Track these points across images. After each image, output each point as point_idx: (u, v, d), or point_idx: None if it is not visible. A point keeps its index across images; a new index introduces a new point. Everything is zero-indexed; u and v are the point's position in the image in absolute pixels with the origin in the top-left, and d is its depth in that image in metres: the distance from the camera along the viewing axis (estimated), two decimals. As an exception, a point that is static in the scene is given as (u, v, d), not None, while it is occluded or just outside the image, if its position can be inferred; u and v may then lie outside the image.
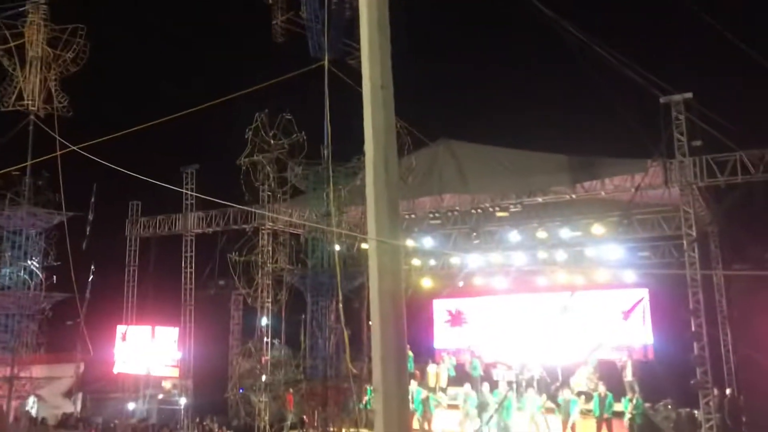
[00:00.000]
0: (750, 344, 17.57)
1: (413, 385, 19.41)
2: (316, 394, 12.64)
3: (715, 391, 15.95)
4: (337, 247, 11.69)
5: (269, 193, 14.11)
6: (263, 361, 15.23)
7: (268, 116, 12.74)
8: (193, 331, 21.82)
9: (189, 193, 20.36)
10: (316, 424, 12.63)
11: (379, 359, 5.32)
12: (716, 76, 19.06)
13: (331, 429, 12.21)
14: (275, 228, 13.83)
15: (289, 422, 17.61)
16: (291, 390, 14.56)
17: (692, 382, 15.65)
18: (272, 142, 12.49)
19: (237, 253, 14.09)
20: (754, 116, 17.82)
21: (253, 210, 14.70)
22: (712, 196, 17.42)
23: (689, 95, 16.09)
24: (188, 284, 22.07)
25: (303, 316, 12.97)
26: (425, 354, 22.27)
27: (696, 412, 16.04)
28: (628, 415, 16.89)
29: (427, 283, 23.59)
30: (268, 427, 18.23)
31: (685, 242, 16.21)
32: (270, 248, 14.95)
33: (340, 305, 9.31)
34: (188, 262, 22.15)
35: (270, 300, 15.78)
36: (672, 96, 16.12)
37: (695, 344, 15.60)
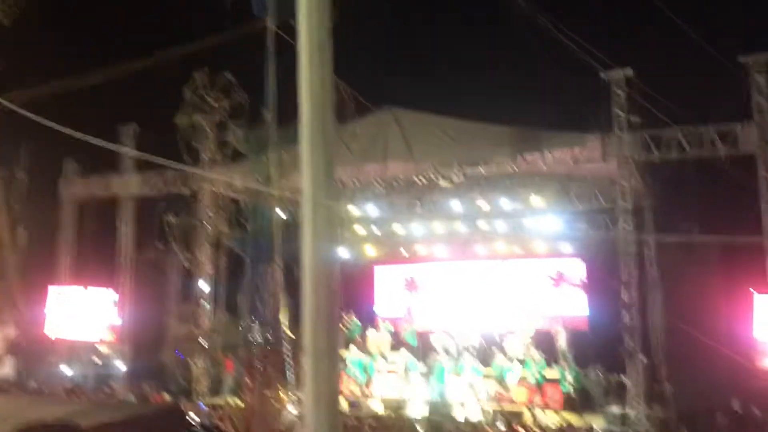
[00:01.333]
0: (677, 314, 18.31)
1: (355, 351, 19.69)
2: (254, 360, 12.61)
3: (643, 359, 16.59)
4: (280, 213, 11.59)
5: (210, 156, 13.86)
6: (202, 325, 15.11)
7: (209, 76, 12.44)
8: (131, 296, 21.41)
9: (128, 152, 19.78)
10: (253, 389, 12.61)
11: (310, 321, 5.33)
12: (657, 52, 19.42)
13: (269, 393, 12.22)
14: (215, 191, 13.58)
15: (227, 387, 17.61)
16: (230, 355, 14.51)
17: (621, 349, 16.29)
18: (212, 102, 12.21)
19: (174, 215, 13.81)
20: (692, 94, 18.31)
21: (192, 171, 14.41)
22: (648, 172, 17.89)
23: (629, 71, 16.45)
24: (126, 247, 21.59)
25: (242, 282, 12.88)
26: (366, 320, 22.48)
27: (624, 378, 16.69)
28: (561, 381, 17.48)
29: (370, 250, 23.69)
30: (206, 391, 18.21)
31: (620, 215, 16.71)
32: (209, 212, 14.72)
33: (279, 270, 9.27)
34: (126, 224, 21.65)
35: (209, 265, 15.64)
36: (612, 71, 16.44)
37: (625, 313, 16.19)
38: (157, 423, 8.29)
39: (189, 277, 15.73)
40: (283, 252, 9.08)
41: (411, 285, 23.49)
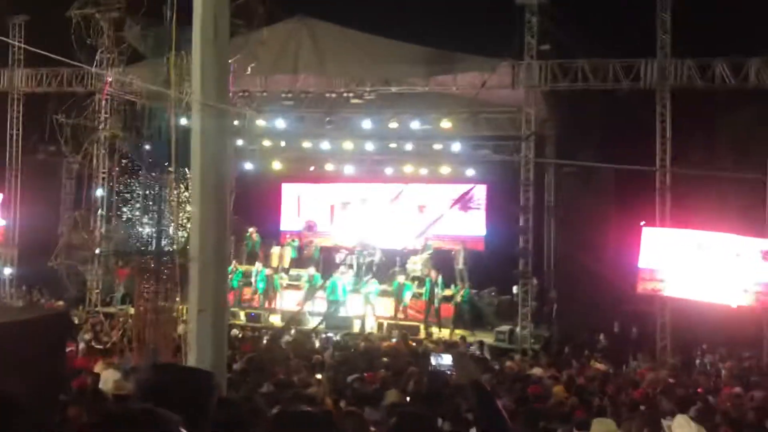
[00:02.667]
0: (570, 240, 19.21)
1: (257, 266, 19.62)
2: (148, 269, 12.29)
3: (534, 281, 17.39)
4: (183, 120, 11.04)
5: (107, 54, 13.00)
6: (95, 232, 14.57)
7: (105, -34, 11.52)
8: (20, 199, 20.28)
9: (17, 45, 18.31)
10: (147, 298, 12.36)
11: (198, 228, 5.18)
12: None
13: (163, 304, 12.00)
14: (110, 92, 12.81)
15: (118, 295, 17.23)
16: (122, 263, 14.12)
17: (515, 272, 16.98)
18: (107, -6, 11.35)
19: (65, 115, 12.98)
20: (602, 27, 18.61)
21: (87, 69, 13.48)
22: (554, 101, 18.24)
23: (544, -1, 16.46)
24: (14, 148, 20.29)
25: (137, 188, 12.38)
26: (272, 236, 22.37)
27: (514, 298, 17.49)
28: (456, 299, 18.12)
29: (276, 165, 23.31)
30: (99, 299, 17.78)
31: (523, 142, 17.08)
32: (104, 114, 13.92)
33: (173, 176, 8.92)
34: (15, 123, 20.27)
35: (104, 170, 14.93)
36: (528, -2, 16.41)
37: (521, 237, 16.80)
38: (43, 328, 8.00)
39: (82, 182, 14.98)
40: (182, 160, 8.68)
41: (318, 202, 23.42)
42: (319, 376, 9.84)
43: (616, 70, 16.16)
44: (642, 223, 16.70)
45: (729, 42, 16.36)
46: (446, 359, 9.64)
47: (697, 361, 15.27)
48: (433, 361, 9.77)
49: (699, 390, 12.48)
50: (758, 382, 13.01)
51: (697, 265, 15.57)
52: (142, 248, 12.30)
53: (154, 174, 11.81)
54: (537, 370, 12.93)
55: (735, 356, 15.44)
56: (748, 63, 15.59)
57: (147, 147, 11.95)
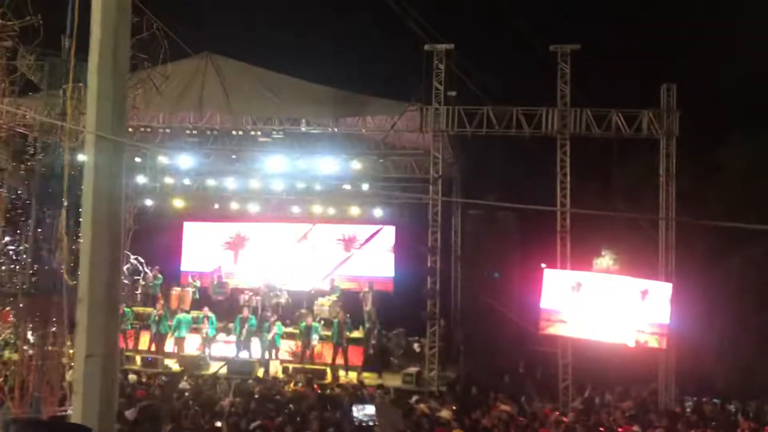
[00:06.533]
0: (476, 282, 19.49)
1: (157, 307, 18.74)
2: (37, 310, 11.46)
3: (442, 322, 17.44)
4: (82, 156, 10.47)
5: (-5, 82, 12.28)
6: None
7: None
8: None
9: None
10: (33, 343, 11.51)
11: (88, 266, 4.82)
12: (478, 31, 20.22)
13: (51, 348, 11.20)
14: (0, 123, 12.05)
15: (2, 339, 16.00)
16: (8, 305, 13.15)
17: (423, 313, 16.99)
18: (-1, 21, 10.72)
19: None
20: (506, 75, 19.32)
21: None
22: (460, 146, 18.65)
23: (451, 46, 16.92)
24: None
25: (25, 226, 11.60)
26: (173, 276, 21.55)
27: (422, 340, 17.47)
28: (369, 345, 17.92)
29: (179, 203, 22.62)
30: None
31: (431, 185, 17.30)
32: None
33: (65, 213, 8.40)
34: None
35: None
36: (435, 45, 16.82)
37: (429, 279, 16.88)
38: None
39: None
40: (74, 195, 8.20)
41: (222, 242, 22.83)
42: (218, 424, 9.39)
43: (519, 117, 16.70)
44: (543, 265, 17.16)
45: (624, 94, 17.33)
46: (368, 410, 9.39)
47: (597, 400, 15.63)
48: (355, 412, 9.46)
49: (601, 429, 12.76)
50: (653, 422, 13.46)
51: (596, 305, 16.10)
52: (30, 289, 11.47)
53: (45, 210, 11.12)
54: (445, 413, 12.87)
55: (632, 395, 15.95)
56: (641, 114, 16.49)
57: (38, 181, 11.26)
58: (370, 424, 8.77)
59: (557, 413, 14.17)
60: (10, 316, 13.92)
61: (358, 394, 13.73)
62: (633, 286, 16.03)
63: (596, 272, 16.54)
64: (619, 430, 12.84)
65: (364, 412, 9.37)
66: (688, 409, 15.64)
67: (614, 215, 11.66)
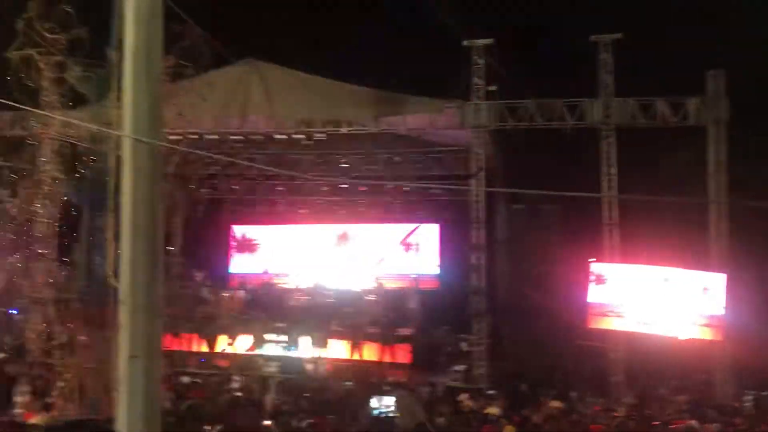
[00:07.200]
0: (521, 277, 19.28)
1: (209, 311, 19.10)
2: (90, 315, 11.85)
3: (489, 319, 17.33)
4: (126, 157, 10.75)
5: (47, 96, 12.73)
6: (34, 279, 14.03)
7: (45, 7, 11.30)
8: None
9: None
10: (90, 346, 11.90)
11: (129, 269, 4.96)
12: (519, 25, 19.95)
13: (105, 352, 11.53)
14: (51, 134, 12.47)
15: (60, 344, 16.51)
16: (64, 310, 13.59)
17: (468, 310, 16.93)
18: (47, 35, 11.11)
19: (2, 158, 12.58)
20: (547, 67, 19.04)
21: (28, 112, 13.09)
22: (501, 141, 18.49)
23: (490, 41, 16.82)
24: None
25: (79, 232, 12.00)
26: (223, 279, 21.94)
27: (469, 337, 17.38)
28: (416, 343, 17.90)
29: (227, 207, 23.05)
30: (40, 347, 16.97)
31: (472, 181, 17.23)
32: (45, 157, 13.55)
33: (111, 218, 8.63)
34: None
35: (44, 213, 14.45)
36: (474, 40, 16.76)
37: (474, 275, 16.80)
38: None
39: (23, 226, 14.46)
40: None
41: (253, 244, 23.12)
42: (267, 422, 9.55)
43: (561, 110, 16.50)
44: (590, 259, 16.90)
45: (668, 82, 16.91)
46: (388, 401, 9.42)
47: (650, 395, 15.32)
48: (374, 403, 9.50)
49: (654, 424, 12.53)
50: (713, 415, 13.13)
51: (645, 298, 15.79)
52: (83, 293, 11.86)
53: (96, 218, 11.48)
54: (493, 409, 12.81)
55: (687, 389, 15.57)
56: (687, 102, 16.10)
57: (88, 189, 11.64)
58: (390, 415, 8.80)
59: (608, 408, 13.96)
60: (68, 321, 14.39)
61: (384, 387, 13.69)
62: (685, 278, 15.67)
63: (647, 265, 16.22)
64: (673, 424, 12.57)
65: (383, 403, 9.40)
66: (748, 404, 15.17)
67: (662, 200, 11.52)
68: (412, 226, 21.83)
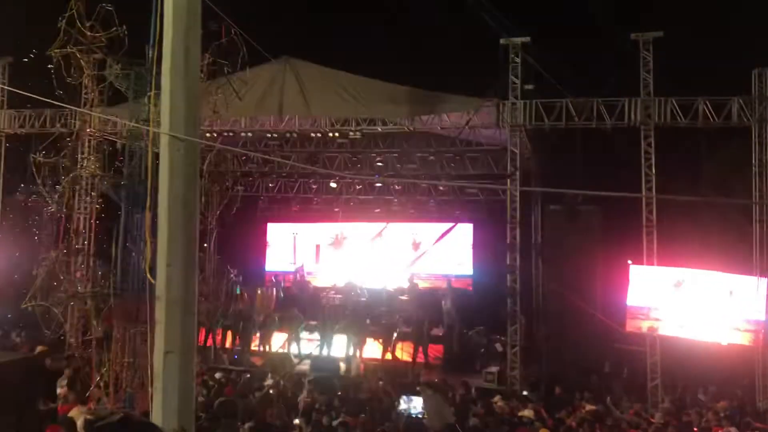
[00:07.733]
0: (558, 279, 18.99)
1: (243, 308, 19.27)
2: (126, 311, 11.98)
3: (523, 320, 17.12)
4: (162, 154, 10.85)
5: (86, 93, 12.93)
6: (76, 274, 14.29)
7: (85, 5, 11.47)
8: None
9: (0, 87, 18.24)
10: (126, 341, 12.04)
11: (165, 266, 4.98)
12: (556, 22, 19.72)
13: (144, 347, 11.66)
14: (90, 131, 12.66)
15: (94, 337, 16.78)
16: (102, 305, 13.79)
17: (503, 311, 16.74)
18: (88, 33, 11.26)
19: (43, 154, 12.82)
20: (585, 65, 18.75)
21: (69, 109, 13.36)
22: (538, 139, 18.25)
23: (527, 39, 16.60)
24: (-5, 189, 20.06)
25: (117, 228, 12.16)
26: (257, 277, 22.13)
27: (503, 338, 17.20)
28: (450, 343, 17.83)
29: (262, 204, 23.22)
30: (78, 341, 17.29)
31: (508, 181, 17.02)
32: (84, 153, 13.80)
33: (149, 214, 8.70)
34: (-4, 164, 20.08)
35: (82, 209, 14.73)
36: (511, 38, 16.54)
37: (509, 276, 16.59)
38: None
39: (61, 222, 14.73)
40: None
41: (290, 242, 23.23)
42: (296, 421, 9.52)
43: (599, 109, 16.20)
44: (629, 261, 16.57)
45: (710, 81, 16.49)
46: (416, 402, 9.33)
47: (688, 400, 14.98)
48: (403, 404, 9.43)
49: (694, 430, 12.23)
50: (750, 423, 12.77)
51: (686, 302, 15.44)
52: (120, 289, 12.00)
53: (134, 214, 11.63)
54: (527, 412, 12.63)
55: (727, 395, 15.17)
56: (730, 101, 15.68)
57: (127, 185, 11.79)
58: (419, 416, 8.70)
59: (645, 414, 13.67)
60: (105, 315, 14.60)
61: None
62: (727, 282, 15.28)
63: (689, 268, 15.86)
64: (714, 431, 12.26)
65: (412, 404, 9.31)
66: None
67: (703, 200, 11.16)
68: (447, 225, 21.74)
